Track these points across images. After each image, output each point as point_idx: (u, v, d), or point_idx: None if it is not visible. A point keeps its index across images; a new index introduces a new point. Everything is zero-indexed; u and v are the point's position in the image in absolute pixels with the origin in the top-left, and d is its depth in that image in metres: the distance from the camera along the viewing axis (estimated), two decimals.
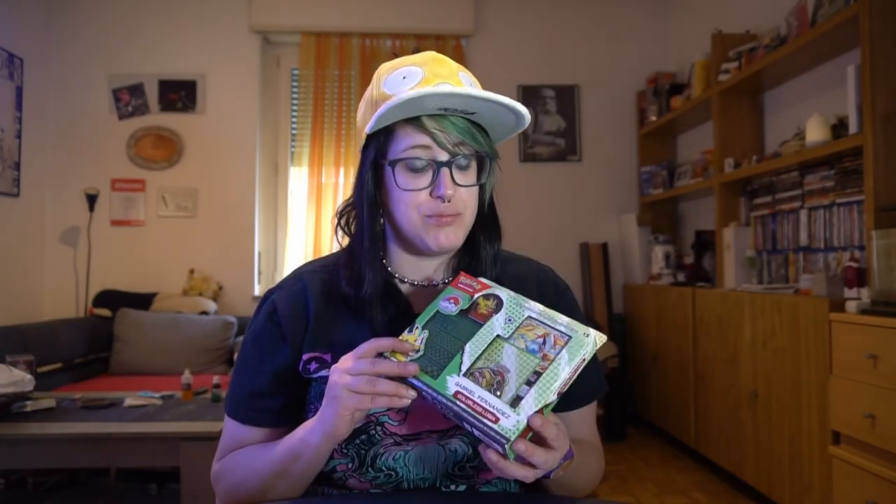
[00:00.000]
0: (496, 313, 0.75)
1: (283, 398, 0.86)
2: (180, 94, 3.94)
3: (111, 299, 3.62)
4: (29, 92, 3.64)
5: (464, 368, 0.71)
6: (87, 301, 3.70)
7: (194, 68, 3.95)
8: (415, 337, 0.75)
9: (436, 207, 0.81)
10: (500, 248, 0.92)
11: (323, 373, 0.84)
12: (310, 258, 3.42)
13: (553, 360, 0.69)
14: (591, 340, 0.71)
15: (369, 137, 0.83)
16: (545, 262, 0.99)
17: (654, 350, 3.62)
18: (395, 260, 0.89)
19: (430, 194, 0.81)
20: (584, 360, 0.70)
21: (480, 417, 0.67)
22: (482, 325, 0.75)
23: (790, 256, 2.83)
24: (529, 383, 0.68)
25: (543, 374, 0.69)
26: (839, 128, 2.43)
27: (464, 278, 0.81)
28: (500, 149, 0.89)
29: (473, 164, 0.84)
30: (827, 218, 2.60)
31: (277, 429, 0.86)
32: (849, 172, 2.45)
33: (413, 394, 0.71)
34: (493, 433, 0.66)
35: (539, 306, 0.76)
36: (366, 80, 3.90)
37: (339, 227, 0.90)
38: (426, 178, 0.81)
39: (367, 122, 0.81)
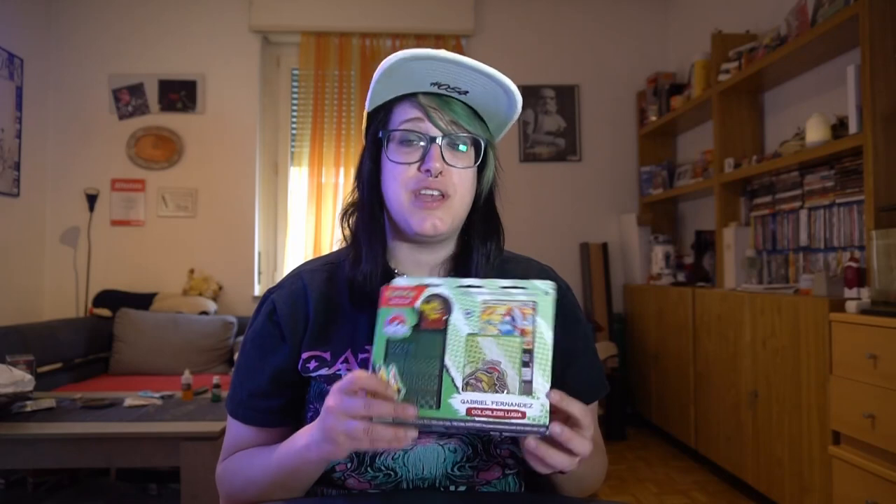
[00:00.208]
0: (450, 313, 0.70)
1: (284, 398, 0.86)
2: (180, 94, 3.94)
3: (111, 299, 3.62)
4: (29, 92, 3.64)
5: (459, 383, 0.66)
6: (87, 301, 3.70)
7: (194, 68, 3.96)
8: (384, 378, 0.68)
9: (423, 181, 0.81)
10: (502, 248, 0.92)
11: (322, 371, 0.84)
12: (310, 258, 3.41)
13: (533, 332, 0.68)
14: (552, 295, 0.69)
15: (371, 117, 0.87)
16: (545, 262, 0.99)
17: (654, 350, 3.62)
18: (397, 255, 0.90)
19: (419, 168, 0.82)
20: (555, 315, 0.69)
21: (507, 420, 0.65)
22: (444, 332, 0.69)
23: (790, 256, 2.83)
24: (526, 364, 0.67)
25: (534, 350, 0.67)
26: (839, 128, 2.43)
27: (390, 292, 0.72)
28: (500, 149, 0.89)
29: (471, 152, 0.85)
30: (827, 218, 2.60)
31: (278, 428, 0.86)
32: (849, 172, 2.45)
33: (414, 434, 0.66)
34: (527, 428, 0.65)
35: (480, 282, 0.71)
36: (366, 80, 3.90)
37: (344, 221, 0.91)
38: (417, 153, 0.83)
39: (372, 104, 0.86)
